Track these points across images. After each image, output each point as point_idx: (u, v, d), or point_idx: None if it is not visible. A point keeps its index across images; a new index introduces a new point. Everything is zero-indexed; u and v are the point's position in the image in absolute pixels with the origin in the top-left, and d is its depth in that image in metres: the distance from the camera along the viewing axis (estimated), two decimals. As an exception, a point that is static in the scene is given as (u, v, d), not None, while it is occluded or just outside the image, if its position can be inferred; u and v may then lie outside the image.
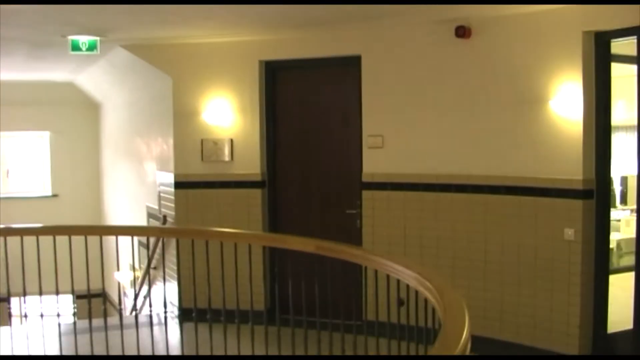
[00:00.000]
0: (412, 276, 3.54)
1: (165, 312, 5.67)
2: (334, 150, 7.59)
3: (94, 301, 6.58)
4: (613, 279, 6.19)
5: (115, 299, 9.94)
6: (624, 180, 8.29)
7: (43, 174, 13.43)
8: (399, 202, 7.04)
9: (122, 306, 6.46)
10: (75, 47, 7.41)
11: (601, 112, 5.91)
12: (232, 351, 5.38)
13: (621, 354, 5.95)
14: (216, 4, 5.79)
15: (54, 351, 6.10)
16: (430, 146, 6.89)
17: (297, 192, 7.80)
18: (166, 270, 8.41)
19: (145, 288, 9.06)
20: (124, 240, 6.03)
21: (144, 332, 5.77)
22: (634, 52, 5.63)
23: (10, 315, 6.38)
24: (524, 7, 6.02)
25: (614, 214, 7.73)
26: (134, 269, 7.85)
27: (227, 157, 7.80)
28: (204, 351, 5.49)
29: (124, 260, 5.98)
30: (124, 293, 10.09)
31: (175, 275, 7.74)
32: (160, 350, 5.76)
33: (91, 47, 7.46)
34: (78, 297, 6.47)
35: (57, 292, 5.85)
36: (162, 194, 8.58)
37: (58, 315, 6.01)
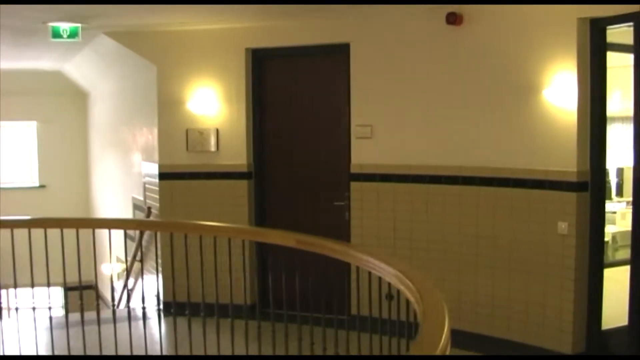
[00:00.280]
0: (392, 273, 3.35)
1: (144, 307, 5.46)
2: (322, 140, 7.40)
3: (74, 294, 6.41)
4: (608, 272, 6.02)
5: (103, 291, 9.85)
6: (620, 172, 8.11)
7: (30, 165, 13.22)
8: (388, 194, 6.85)
9: (99, 301, 6.26)
10: (56, 34, 7.20)
11: (596, 102, 5.72)
12: (212, 347, 5.19)
13: (615, 352, 5.78)
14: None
15: (33, 346, 5.94)
16: (420, 136, 6.69)
17: (284, 184, 7.60)
18: (150, 263, 8.22)
19: (132, 281, 8.90)
20: (115, 233, 5.86)
21: (124, 326, 5.58)
22: (631, 41, 5.43)
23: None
24: (517, -7, 5.83)
25: (610, 206, 7.57)
26: (124, 261, 7.66)
27: (213, 148, 7.60)
28: (183, 346, 5.32)
29: (114, 253, 5.84)
30: (111, 286, 9.92)
31: (159, 269, 7.55)
32: (139, 346, 5.57)
33: (72, 34, 7.25)
34: (67, 289, 6.33)
35: (32, 285, 5.69)
36: (147, 185, 8.39)
37: (34, 309, 5.81)
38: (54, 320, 5.73)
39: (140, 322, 5.53)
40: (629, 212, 7.16)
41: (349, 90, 7.03)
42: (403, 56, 6.75)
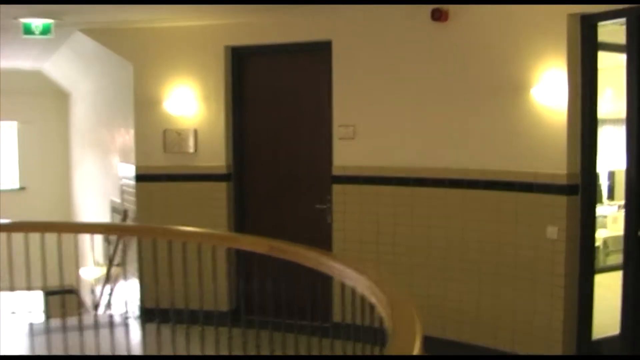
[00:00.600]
0: (366, 285, 3.09)
1: (111, 315, 5.21)
2: (303, 141, 7.14)
3: (55, 299, 6.20)
4: (599, 278, 5.79)
5: (84, 295, 9.61)
6: (612, 175, 7.91)
7: (10, 166, 12.92)
8: (371, 197, 6.60)
9: (65, 307, 6.01)
10: (28, 30, 6.95)
11: (587, 101, 5.48)
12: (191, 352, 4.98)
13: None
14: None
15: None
16: (404, 137, 6.44)
17: (265, 186, 7.34)
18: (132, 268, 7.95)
19: (110, 286, 8.64)
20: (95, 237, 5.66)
21: (92, 333, 5.37)
22: (622, 40, 5.20)
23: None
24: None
25: (601, 209, 7.38)
26: (103, 265, 7.43)
27: (191, 149, 7.33)
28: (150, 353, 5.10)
29: (92, 257, 5.65)
30: (91, 290, 9.67)
31: (135, 274, 7.30)
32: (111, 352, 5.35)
33: (45, 31, 7.00)
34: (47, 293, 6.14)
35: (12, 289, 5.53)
36: (124, 188, 8.11)
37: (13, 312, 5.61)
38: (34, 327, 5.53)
39: (118, 329, 5.32)
40: (620, 216, 6.96)
41: (331, 90, 6.77)
42: (387, 53, 6.50)
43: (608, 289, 5.82)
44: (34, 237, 5.41)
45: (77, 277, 8.03)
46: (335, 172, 6.76)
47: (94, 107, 10.34)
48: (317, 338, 4.55)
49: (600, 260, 7.41)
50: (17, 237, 5.46)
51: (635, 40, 5.11)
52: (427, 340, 6.31)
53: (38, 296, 10.47)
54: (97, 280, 9.36)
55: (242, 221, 7.34)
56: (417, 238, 6.36)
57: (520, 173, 5.72)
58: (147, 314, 5.76)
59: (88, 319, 5.70)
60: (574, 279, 5.57)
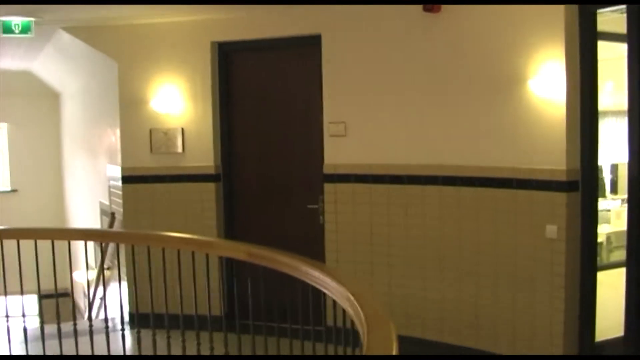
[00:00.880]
0: (344, 295, 2.85)
1: (90, 321, 5.00)
2: (293, 138, 6.88)
3: (48, 302, 6.06)
4: (602, 276, 5.56)
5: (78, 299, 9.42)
6: (614, 168, 7.68)
7: (1, 168, 12.71)
8: (364, 196, 6.35)
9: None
10: (7, 29, 6.73)
11: (587, 93, 5.23)
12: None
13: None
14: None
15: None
16: (397, 133, 6.19)
17: (254, 186, 7.09)
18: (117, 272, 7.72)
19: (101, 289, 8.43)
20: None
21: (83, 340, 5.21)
22: (623, 30, 4.94)
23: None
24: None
25: (604, 204, 7.15)
26: (94, 269, 7.22)
27: (179, 149, 7.09)
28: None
29: (87, 261, 5.50)
30: (84, 294, 9.47)
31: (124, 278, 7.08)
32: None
33: (25, 30, 6.78)
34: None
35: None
36: (112, 190, 7.87)
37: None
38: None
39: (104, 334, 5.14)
40: (624, 210, 6.76)
41: (320, 85, 6.51)
42: (378, 47, 6.24)
43: (611, 288, 5.60)
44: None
45: (71, 280, 7.86)
46: (327, 170, 6.51)
47: (82, 107, 10.12)
48: (310, 342, 4.31)
49: (604, 257, 7.21)
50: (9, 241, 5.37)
51: (636, 29, 4.85)
52: (424, 344, 6.10)
53: (32, 300, 10.28)
54: (90, 284, 9.16)
55: (232, 223, 7.10)
56: (411, 239, 6.12)
57: (518, 169, 5.48)
58: (137, 319, 5.57)
59: (80, 324, 5.49)
60: (575, 279, 5.33)
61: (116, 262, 7.68)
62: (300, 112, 6.82)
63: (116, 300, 5.33)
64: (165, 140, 7.10)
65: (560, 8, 5.15)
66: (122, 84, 7.21)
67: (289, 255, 3.84)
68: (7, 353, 5.57)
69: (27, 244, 5.33)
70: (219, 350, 4.71)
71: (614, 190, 7.85)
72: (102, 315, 7.70)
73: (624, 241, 5.31)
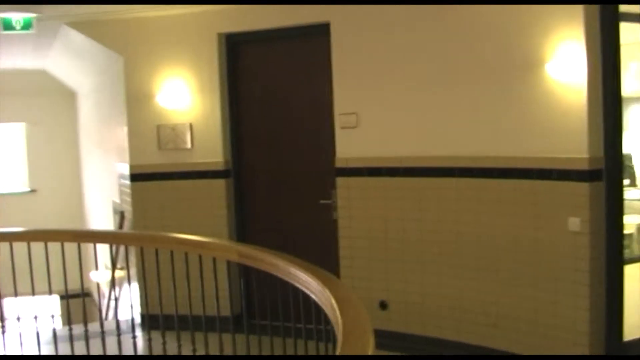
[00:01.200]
0: (328, 301, 2.59)
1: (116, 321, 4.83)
2: (304, 132, 6.62)
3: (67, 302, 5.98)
4: (631, 269, 5.22)
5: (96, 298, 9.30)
6: (646, 157, 7.33)
7: (20, 169, 12.61)
8: (378, 190, 6.08)
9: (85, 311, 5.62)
10: (8, 25, 6.60)
11: (609, 76, 4.89)
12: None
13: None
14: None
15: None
16: (411, 124, 5.90)
17: (266, 182, 6.85)
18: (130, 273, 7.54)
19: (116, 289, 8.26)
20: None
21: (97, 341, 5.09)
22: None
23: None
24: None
25: (635, 193, 6.79)
26: (113, 269, 7.07)
27: (188, 145, 6.86)
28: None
29: (97, 262, 5.39)
30: (102, 294, 9.31)
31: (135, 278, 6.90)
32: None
33: (26, 26, 6.64)
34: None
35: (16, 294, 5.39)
36: (122, 188, 7.67)
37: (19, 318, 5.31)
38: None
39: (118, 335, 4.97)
40: (656, 199, 6.42)
41: (330, 75, 6.24)
42: (389, 34, 5.95)
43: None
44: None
45: (89, 281, 7.73)
46: (339, 164, 6.24)
47: (96, 105, 9.95)
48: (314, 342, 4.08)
49: (634, 249, 6.89)
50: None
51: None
52: (441, 343, 5.81)
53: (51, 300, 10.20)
54: (106, 284, 9.01)
55: (243, 220, 6.87)
56: (426, 233, 5.83)
57: (537, 159, 5.17)
58: (149, 320, 5.41)
59: (93, 326, 5.38)
60: (601, 275, 5.00)
61: (127, 263, 7.54)
62: (310, 104, 6.56)
63: (127, 301, 5.21)
64: (173, 136, 6.88)
65: (578, -15, 4.83)
66: (129, 79, 7.00)
67: (276, 254, 3.58)
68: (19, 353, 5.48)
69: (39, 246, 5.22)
70: (241, 351, 4.52)
71: (646, 179, 7.51)
72: (114, 316, 7.56)
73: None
